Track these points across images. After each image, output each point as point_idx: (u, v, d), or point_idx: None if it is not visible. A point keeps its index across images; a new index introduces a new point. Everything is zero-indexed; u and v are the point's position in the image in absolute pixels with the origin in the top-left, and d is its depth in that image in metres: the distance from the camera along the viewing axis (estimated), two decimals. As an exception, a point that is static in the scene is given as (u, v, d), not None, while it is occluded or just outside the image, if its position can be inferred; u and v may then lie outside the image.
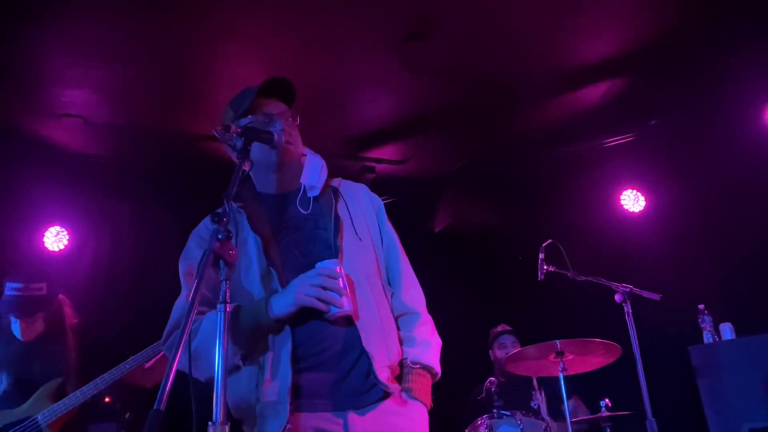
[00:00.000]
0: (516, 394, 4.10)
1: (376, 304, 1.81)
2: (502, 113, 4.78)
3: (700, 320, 3.95)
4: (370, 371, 1.71)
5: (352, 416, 1.68)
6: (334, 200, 1.90)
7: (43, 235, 4.84)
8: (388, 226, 2.00)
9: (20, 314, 2.99)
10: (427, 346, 1.86)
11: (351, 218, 1.90)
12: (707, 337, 3.94)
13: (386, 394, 1.73)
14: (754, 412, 3.54)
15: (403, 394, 1.76)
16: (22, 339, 3.05)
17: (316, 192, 1.90)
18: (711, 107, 4.76)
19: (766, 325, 3.88)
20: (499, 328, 4.59)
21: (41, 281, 3.04)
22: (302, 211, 1.87)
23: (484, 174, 5.31)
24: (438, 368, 1.86)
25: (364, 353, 1.72)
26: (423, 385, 1.80)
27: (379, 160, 5.25)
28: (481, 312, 5.09)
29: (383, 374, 1.73)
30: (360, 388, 1.71)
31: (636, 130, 5.11)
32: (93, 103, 4.32)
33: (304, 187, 1.90)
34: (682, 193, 5.05)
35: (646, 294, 3.52)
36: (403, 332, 1.87)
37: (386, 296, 1.88)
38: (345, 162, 5.13)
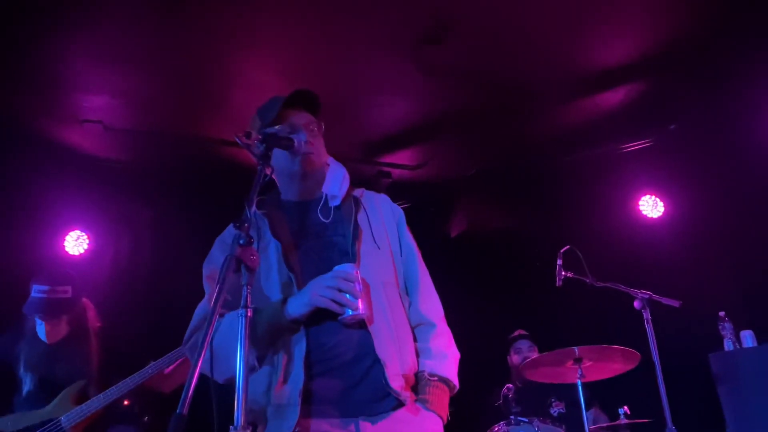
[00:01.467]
0: (533, 401, 4.08)
1: (392, 312, 1.81)
2: (519, 117, 4.77)
3: (720, 327, 3.90)
4: (383, 379, 1.70)
5: (363, 424, 1.68)
6: (354, 209, 1.92)
7: (64, 239, 4.90)
8: (408, 237, 2.01)
9: (46, 316, 3.03)
10: (444, 358, 1.86)
11: (371, 227, 1.91)
12: (728, 345, 3.88)
13: (399, 403, 1.72)
14: (776, 422, 3.48)
15: (418, 404, 1.76)
16: (46, 341, 3.09)
17: (338, 201, 1.92)
18: (729, 112, 4.72)
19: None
20: (516, 334, 4.57)
21: (66, 284, 3.08)
22: (323, 219, 1.90)
23: (501, 179, 5.29)
24: (456, 381, 1.86)
25: (377, 360, 1.71)
26: (440, 398, 1.79)
27: (395, 165, 5.25)
28: (498, 317, 5.06)
29: (396, 383, 1.72)
30: (372, 396, 1.70)
31: (654, 135, 5.08)
32: (113, 108, 4.38)
33: (326, 195, 1.93)
34: (701, 198, 5.00)
35: (665, 300, 3.50)
36: (420, 343, 1.87)
37: (403, 305, 1.88)
38: (361, 167, 5.14)
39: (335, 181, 1.94)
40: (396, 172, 5.30)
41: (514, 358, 4.47)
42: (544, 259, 3.89)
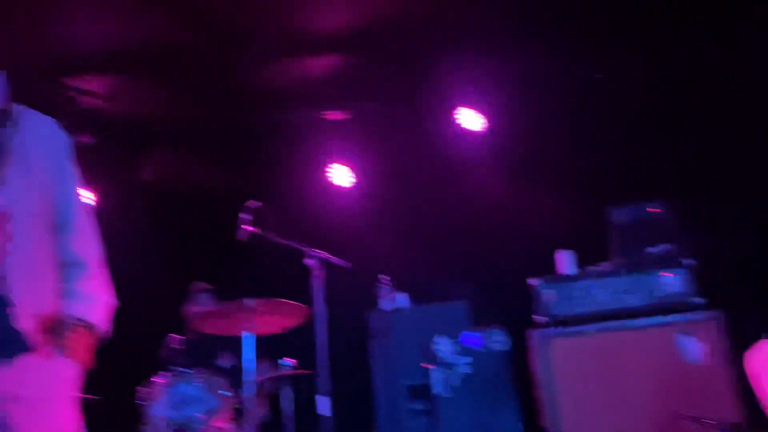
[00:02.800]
0: (201, 353, 4.06)
1: (33, 246, 1.61)
2: (227, 67, 4.65)
3: (379, 289, 4.35)
4: (8, 319, 1.51)
5: None
6: (7, 126, 1.66)
7: None
8: (70, 168, 1.80)
9: None
10: (92, 301, 1.72)
11: (25, 150, 1.67)
12: (383, 304, 4.36)
13: (28, 348, 1.55)
14: (413, 372, 4.02)
15: (54, 350, 1.60)
16: None
17: None
18: (420, 98, 5.23)
19: (436, 296, 4.46)
20: (196, 286, 4.49)
21: None
22: None
23: (201, 128, 5.12)
24: (104, 327, 1.73)
25: (3, 298, 1.51)
26: (80, 344, 1.66)
27: (83, 92, 4.70)
28: (180, 268, 4.92)
29: (26, 324, 1.54)
30: None
31: (353, 107, 5.37)
32: None
33: None
34: (384, 173, 5.48)
35: (336, 260, 3.77)
36: (67, 284, 1.70)
37: (49, 242, 1.69)
38: (42, 85, 4.48)
39: None
40: (85, 100, 4.75)
41: (191, 310, 4.39)
42: (231, 213, 3.86)
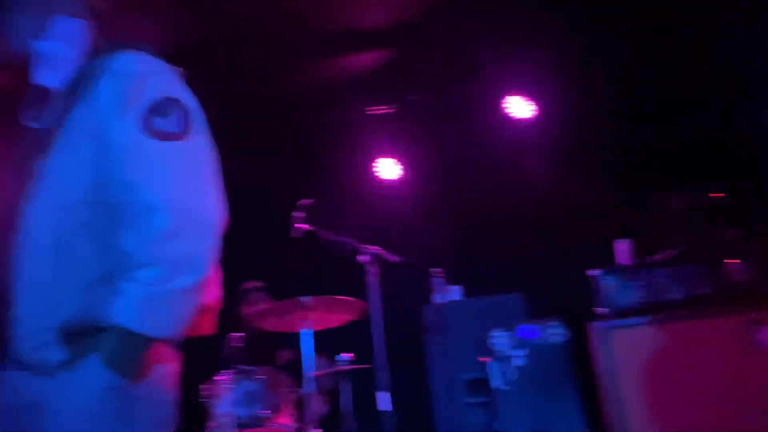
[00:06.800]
0: (261, 350, 4.11)
1: (54, 255, 1.48)
2: (270, 67, 4.69)
3: (432, 282, 4.33)
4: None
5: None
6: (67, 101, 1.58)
7: None
8: (141, 139, 1.65)
9: None
10: (145, 304, 1.62)
11: (84, 126, 1.57)
12: (437, 298, 4.34)
13: (60, 360, 1.43)
14: (470, 365, 4.00)
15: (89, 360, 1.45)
16: None
17: None
18: (465, 88, 5.17)
19: (491, 289, 4.41)
20: (249, 285, 4.54)
21: None
22: None
23: (248, 127, 5.17)
24: (156, 332, 1.49)
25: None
26: (124, 354, 1.44)
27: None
28: (233, 266, 4.99)
29: (48, 336, 1.45)
30: None
31: (397, 101, 5.35)
32: None
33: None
34: (432, 165, 5.44)
35: (388, 256, 3.76)
36: (120, 284, 1.64)
37: (95, 239, 1.52)
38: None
39: None
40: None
41: (245, 309, 4.45)
42: (282, 213, 3.89)
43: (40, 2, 1.62)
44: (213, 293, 1.63)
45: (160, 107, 1.49)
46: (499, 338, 3.92)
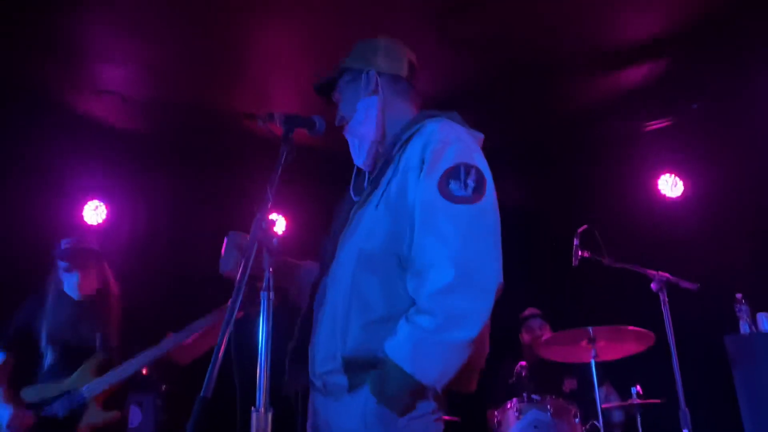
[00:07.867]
0: (546, 379, 4.10)
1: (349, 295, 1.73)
2: (540, 91, 4.72)
3: (737, 309, 3.87)
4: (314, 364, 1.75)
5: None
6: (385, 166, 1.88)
7: (83, 209, 4.94)
8: (428, 198, 1.89)
9: (76, 263, 3.07)
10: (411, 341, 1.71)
11: (391, 185, 1.85)
12: (744, 327, 3.87)
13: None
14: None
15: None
16: (76, 295, 3.11)
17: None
18: (750, 91, 4.63)
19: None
20: (528, 312, 4.58)
21: (91, 238, 3.24)
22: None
23: (519, 152, 5.24)
24: (427, 375, 1.62)
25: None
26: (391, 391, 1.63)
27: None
28: (511, 294, 5.06)
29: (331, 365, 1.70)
30: None
31: (676, 113, 4.99)
32: (132, 79, 4.38)
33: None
34: (720, 179, 4.93)
35: (683, 283, 3.47)
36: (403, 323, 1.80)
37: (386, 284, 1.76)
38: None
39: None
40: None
41: (525, 337, 4.49)
42: (559, 237, 3.86)
43: (352, 89, 1.91)
44: (482, 353, 1.69)
45: (457, 172, 1.62)
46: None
